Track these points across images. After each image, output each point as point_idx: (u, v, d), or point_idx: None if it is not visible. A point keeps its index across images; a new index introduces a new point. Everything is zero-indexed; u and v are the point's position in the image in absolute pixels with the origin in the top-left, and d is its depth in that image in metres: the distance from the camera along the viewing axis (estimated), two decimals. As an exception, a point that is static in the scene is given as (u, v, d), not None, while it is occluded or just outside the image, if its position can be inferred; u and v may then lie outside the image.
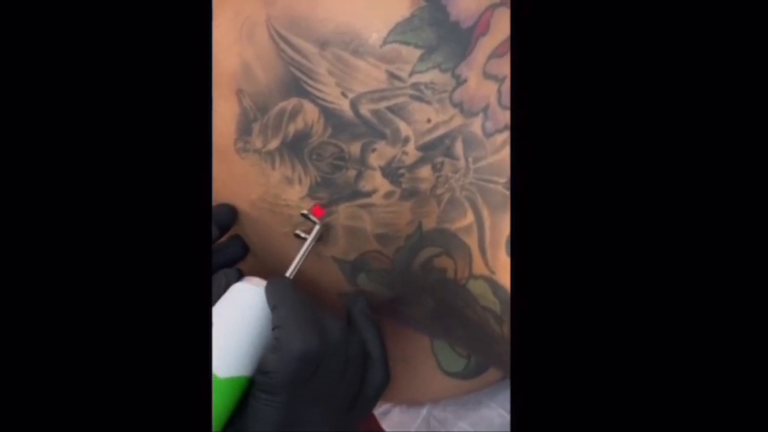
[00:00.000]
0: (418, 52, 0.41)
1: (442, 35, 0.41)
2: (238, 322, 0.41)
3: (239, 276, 0.44)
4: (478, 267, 0.45)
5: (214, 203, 0.47)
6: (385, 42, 0.41)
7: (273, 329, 0.40)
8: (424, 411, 0.59)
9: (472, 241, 0.45)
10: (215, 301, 0.41)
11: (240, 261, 0.48)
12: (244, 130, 0.44)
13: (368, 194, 0.44)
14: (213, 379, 0.39)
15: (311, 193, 0.44)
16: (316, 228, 0.44)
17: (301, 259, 0.44)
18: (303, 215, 0.44)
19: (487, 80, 0.43)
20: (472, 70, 0.42)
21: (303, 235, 0.45)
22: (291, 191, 0.44)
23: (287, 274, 0.44)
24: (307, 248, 0.44)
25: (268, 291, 0.41)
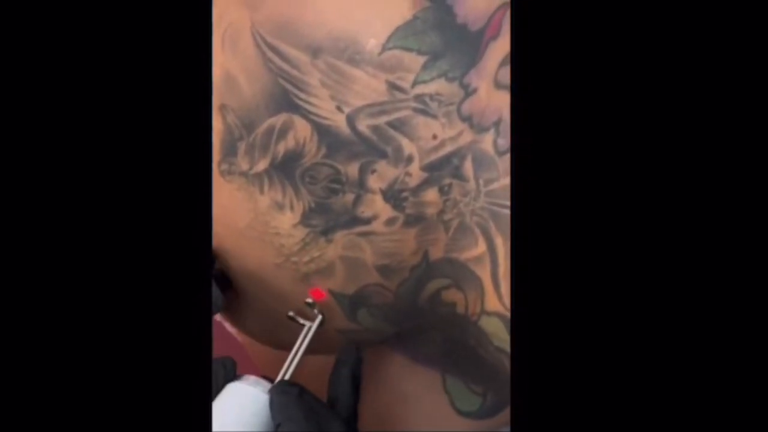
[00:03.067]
0: (421, 60, 0.40)
1: (449, 40, 0.40)
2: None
3: (235, 370, 0.43)
4: (491, 302, 0.43)
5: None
6: (384, 48, 0.39)
7: None
8: (435, 455, 0.58)
9: (484, 273, 0.43)
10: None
11: (218, 306, 0.47)
12: (229, 150, 0.42)
13: (368, 221, 0.42)
14: None
15: (304, 220, 0.42)
16: (318, 319, 0.44)
17: (296, 356, 0.43)
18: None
19: (499, 90, 0.41)
20: (482, 79, 0.41)
21: (302, 321, 0.45)
22: (282, 218, 0.42)
23: (285, 375, 0.43)
24: (303, 344, 0.44)
25: (273, 405, 0.40)
